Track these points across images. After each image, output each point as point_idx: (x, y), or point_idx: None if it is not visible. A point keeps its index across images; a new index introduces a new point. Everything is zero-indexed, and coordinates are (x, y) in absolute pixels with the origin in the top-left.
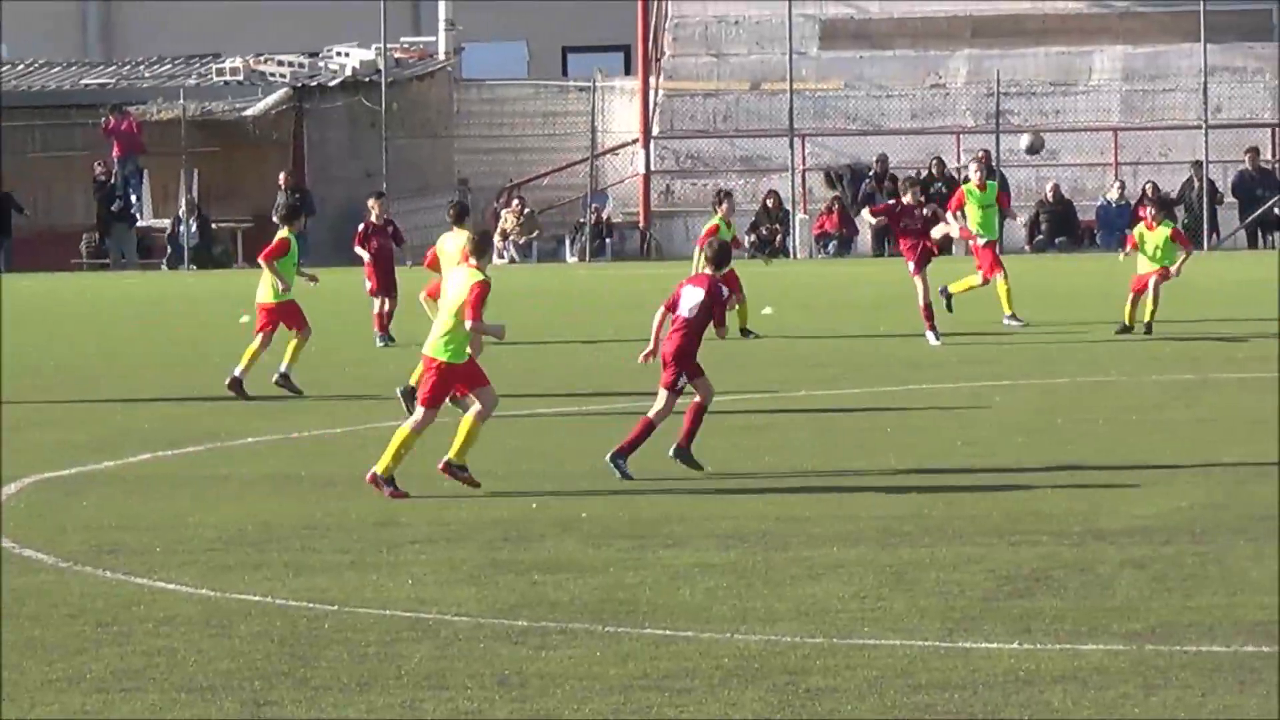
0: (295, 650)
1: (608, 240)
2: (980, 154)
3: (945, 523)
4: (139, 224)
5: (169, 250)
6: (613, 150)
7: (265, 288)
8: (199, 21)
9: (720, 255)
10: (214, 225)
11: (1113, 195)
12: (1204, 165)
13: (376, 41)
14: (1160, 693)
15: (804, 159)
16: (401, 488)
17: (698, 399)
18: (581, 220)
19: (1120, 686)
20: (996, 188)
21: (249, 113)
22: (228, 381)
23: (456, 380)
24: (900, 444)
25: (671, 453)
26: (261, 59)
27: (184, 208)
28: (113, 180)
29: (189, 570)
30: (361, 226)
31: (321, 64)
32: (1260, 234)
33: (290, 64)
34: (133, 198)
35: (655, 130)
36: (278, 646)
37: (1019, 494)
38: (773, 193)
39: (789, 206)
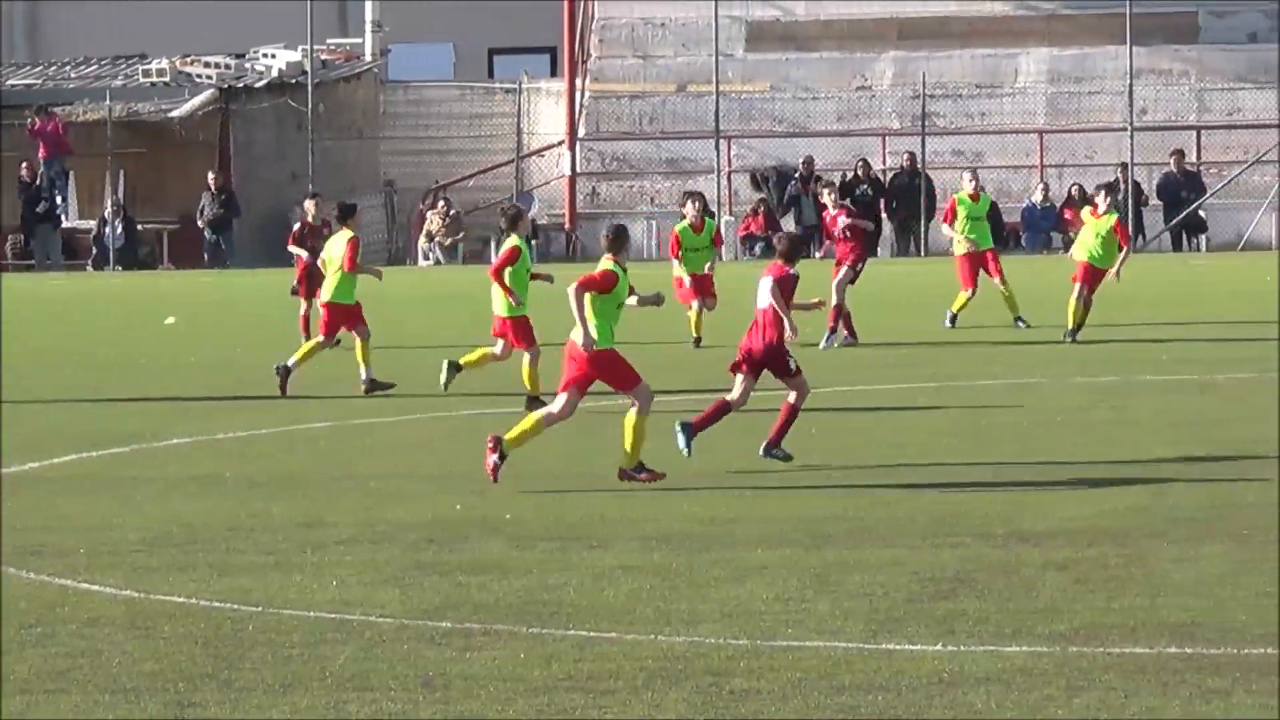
0: (219, 651)
1: (533, 242)
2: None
3: (870, 525)
4: (64, 225)
5: (94, 251)
6: (538, 152)
7: (338, 288)
8: (125, 22)
9: (793, 249)
10: (140, 227)
11: (1037, 197)
12: (1129, 168)
13: (303, 43)
14: (1084, 694)
15: (730, 161)
16: (650, 469)
17: (791, 398)
18: None
19: (1044, 688)
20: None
21: (175, 114)
22: (277, 366)
23: (602, 371)
24: (825, 445)
25: (762, 453)
26: (188, 60)
27: (110, 209)
28: (38, 181)
29: (114, 572)
30: (297, 226)
31: (248, 65)
32: (1185, 236)
33: (217, 65)
34: (58, 199)
35: (581, 132)
36: (202, 648)
37: (943, 496)
38: (699, 194)
39: (715, 208)
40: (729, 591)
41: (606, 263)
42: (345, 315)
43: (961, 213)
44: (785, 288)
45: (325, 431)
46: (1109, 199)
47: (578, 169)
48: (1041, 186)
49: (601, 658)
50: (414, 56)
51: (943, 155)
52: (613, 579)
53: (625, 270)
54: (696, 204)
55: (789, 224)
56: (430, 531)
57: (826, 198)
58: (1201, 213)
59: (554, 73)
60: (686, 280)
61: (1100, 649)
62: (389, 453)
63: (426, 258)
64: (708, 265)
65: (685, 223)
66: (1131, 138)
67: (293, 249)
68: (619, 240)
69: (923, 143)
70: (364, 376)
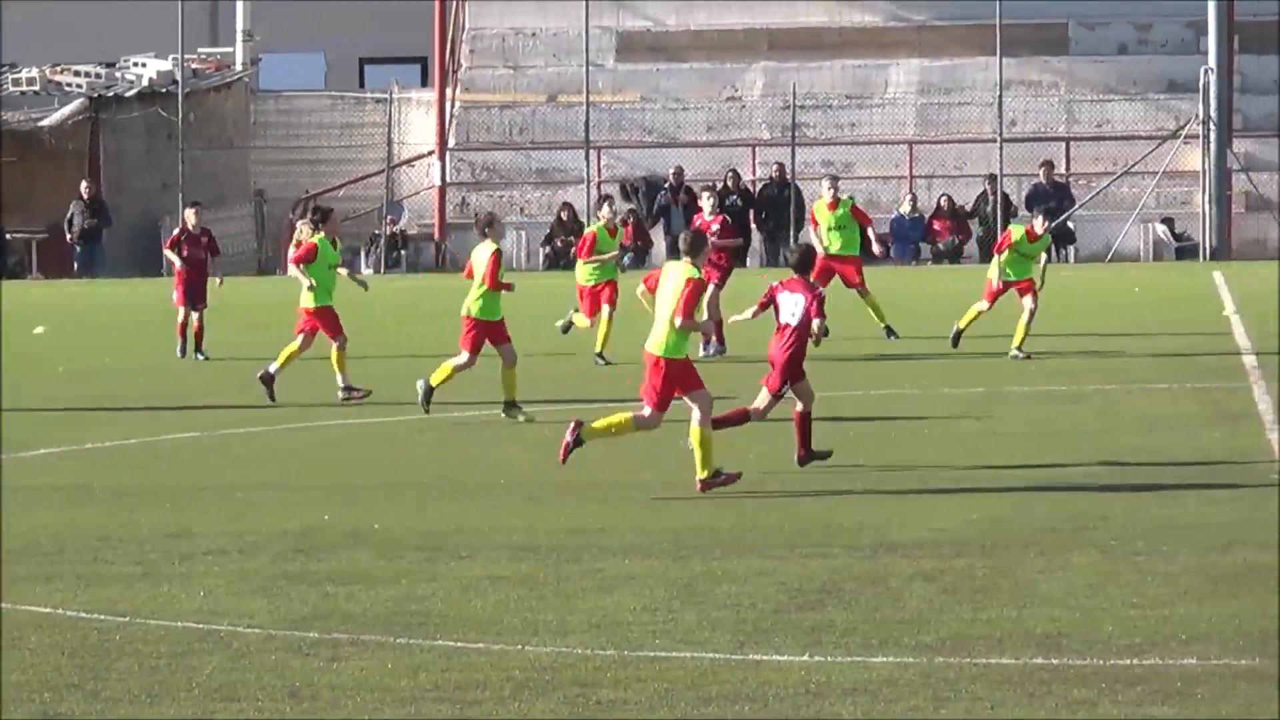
0: (86, 662)
1: (403, 252)
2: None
3: (737, 535)
4: None
5: None
6: (409, 162)
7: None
8: None
9: (805, 259)
10: (8, 236)
11: (906, 208)
12: (999, 179)
13: (174, 52)
14: (950, 705)
15: (599, 171)
16: (727, 471)
17: (800, 407)
18: (377, 232)
19: (910, 699)
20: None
21: (45, 123)
22: (260, 374)
23: (675, 378)
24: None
25: (798, 463)
26: (58, 69)
27: None
28: None
29: None
30: (176, 231)
31: (118, 74)
32: (1054, 248)
33: (87, 74)
34: None
35: (451, 142)
36: (68, 658)
37: (810, 506)
38: (567, 205)
39: (584, 219)
40: (596, 602)
41: (689, 270)
42: (490, 330)
43: (821, 222)
44: (815, 299)
45: (193, 442)
46: (1046, 222)
47: (448, 179)
48: (910, 197)
49: (469, 668)
50: (285, 66)
51: (813, 166)
52: (480, 589)
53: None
54: (611, 206)
55: (658, 235)
56: (298, 541)
57: (705, 202)
58: (1070, 224)
59: (425, 83)
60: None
61: (967, 659)
62: (257, 463)
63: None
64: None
65: (601, 224)
66: (1001, 149)
67: (168, 253)
68: (698, 245)
69: (793, 153)
70: (341, 384)
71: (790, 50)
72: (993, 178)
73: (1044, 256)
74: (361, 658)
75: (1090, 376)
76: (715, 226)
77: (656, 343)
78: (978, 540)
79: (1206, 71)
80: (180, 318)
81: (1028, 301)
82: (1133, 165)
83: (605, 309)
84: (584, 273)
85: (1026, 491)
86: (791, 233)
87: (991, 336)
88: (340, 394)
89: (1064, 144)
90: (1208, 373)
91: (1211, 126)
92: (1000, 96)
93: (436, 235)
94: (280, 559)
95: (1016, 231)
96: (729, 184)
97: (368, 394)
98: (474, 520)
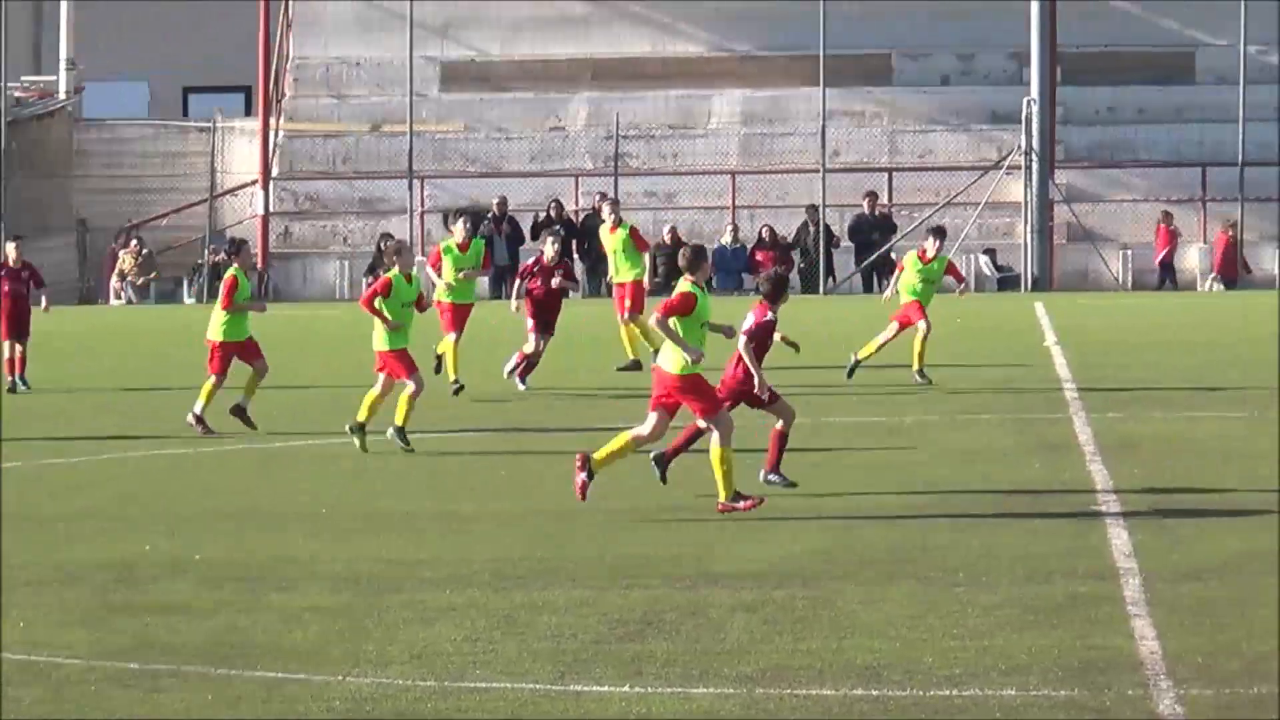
0: None
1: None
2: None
3: (557, 566)
4: None
5: None
6: (232, 191)
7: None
8: None
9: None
10: None
11: (727, 239)
12: (821, 209)
13: None
14: None
15: (423, 200)
16: (747, 495)
17: (778, 425)
18: (200, 261)
19: None
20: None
21: None
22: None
23: (688, 392)
24: (513, 486)
25: (762, 478)
26: None
27: None
28: None
29: None
30: None
31: None
32: (875, 277)
33: None
34: None
35: (275, 171)
36: None
37: (630, 537)
38: (387, 234)
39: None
40: (417, 633)
41: (685, 284)
42: (239, 350)
43: (606, 246)
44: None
45: (13, 472)
46: (937, 244)
47: (271, 208)
48: (732, 228)
49: (289, 699)
50: (109, 94)
51: (636, 196)
52: (301, 620)
53: (705, 291)
54: (466, 224)
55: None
56: (119, 572)
57: (549, 247)
58: (893, 254)
59: (249, 112)
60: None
61: (787, 690)
62: (77, 493)
63: (119, 297)
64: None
65: (453, 241)
66: (824, 179)
67: None
68: (697, 260)
69: (615, 183)
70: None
71: (614, 80)
72: (815, 208)
73: (962, 283)
74: (182, 689)
75: (911, 407)
76: (556, 280)
77: (668, 360)
78: (798, 571)
79: (1029, 102)
80: (6, 353)
81: (921, 325)
82: (955, 196)
83: (451, 336)
84: (440, 289)
85: (848, 521)
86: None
87: (811, 367)
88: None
89: (887, 174)
90: (1028, 403)
91: (1034, 158)
92: (823, 127)
93: (260, 265)
94: (101, 590)
95: (909, 258)
96: (551, 213)
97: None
98: (295, 550)
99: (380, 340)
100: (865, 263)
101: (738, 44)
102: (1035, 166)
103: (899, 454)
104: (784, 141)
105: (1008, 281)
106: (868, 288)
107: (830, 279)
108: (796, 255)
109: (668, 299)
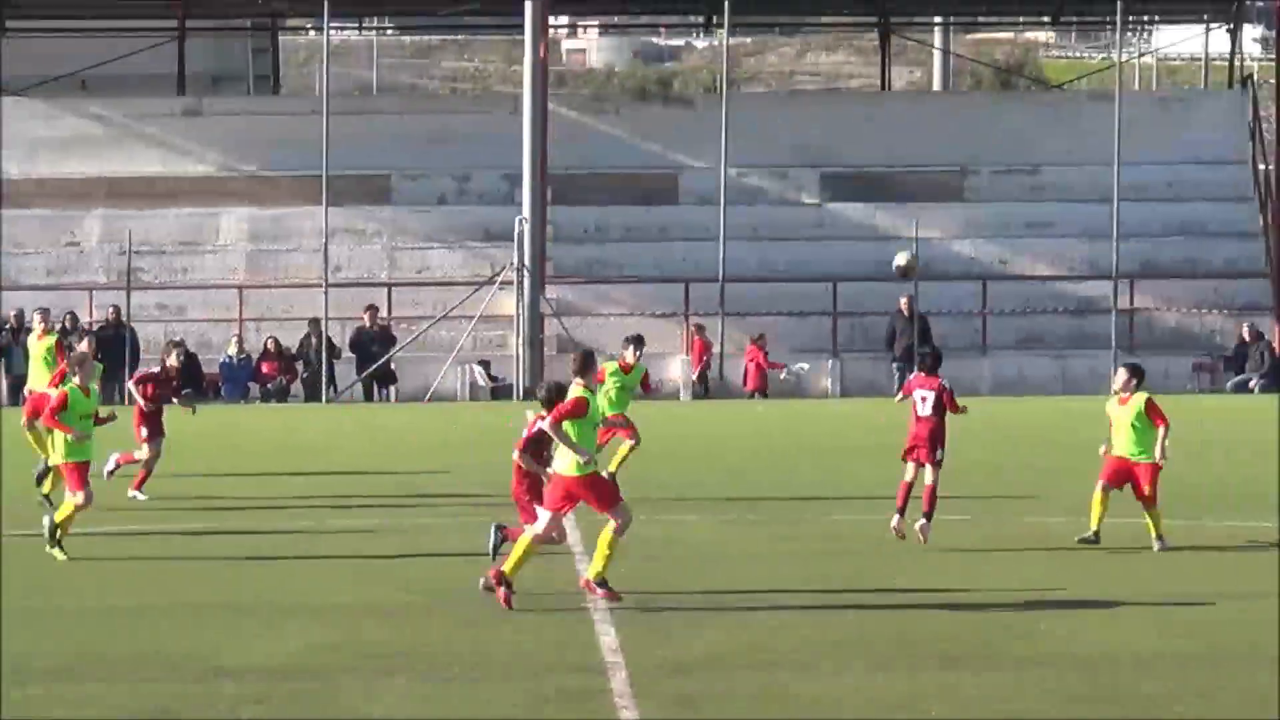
0: None
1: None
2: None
3: (73, 662)
4: None
5: None
6: None
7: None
8: None
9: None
10: None
11: (233, 350)
12: (324, 321)
13: None
14: None
15: None
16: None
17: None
18: None
19: None
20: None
21: None
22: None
23: (588, 490)
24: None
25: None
26: None
27: None
28: None
29: None
30: None
31: None
32: (376, 387)
33: None
34: None
35: None
36: None
37: (149, 633)
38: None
39: None
40: None
41: (577, 389)
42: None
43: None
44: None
45: None
46: (637, 352)
47: None
48: (238, 339)
49: None
50: None
51: (148, 309)
52: None
53: (594, 393)
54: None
55: None
56: None
57: (173, 359)
58: (392, 365)
59: None
60: None
61: None
62: None
63: None
64: None
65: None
66: (326, 294)
67: None
68: (588, 364)
69: (128, 296)
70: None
71: (128, 198)
72: (318, 321)
73: (648, 389)
74: None
75: (403, 512)
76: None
77: (564, 464)
78: (308, 666)
79: (521, 221)
80: None
81: (628, 438)
82: (452, 310)
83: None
84: None
85: (351, 618)
86: (127, 370)
87: (304, 473)
88: None
89: (386, 289)
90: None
91: (525, 273)
92: (326, 244)
93: None
94: None
95: (609, 367)
96: (67, 324)
97: None
98: None
99: (59, 453)
100: (365, 373)
101: (245, 164)
102: (527, 282)
103: (398, 557)
104: (289, 257)
105: (500, 390)
106: (368, 396)
107: (332, 388)
108: (300, 366)
109: (561, 404)
